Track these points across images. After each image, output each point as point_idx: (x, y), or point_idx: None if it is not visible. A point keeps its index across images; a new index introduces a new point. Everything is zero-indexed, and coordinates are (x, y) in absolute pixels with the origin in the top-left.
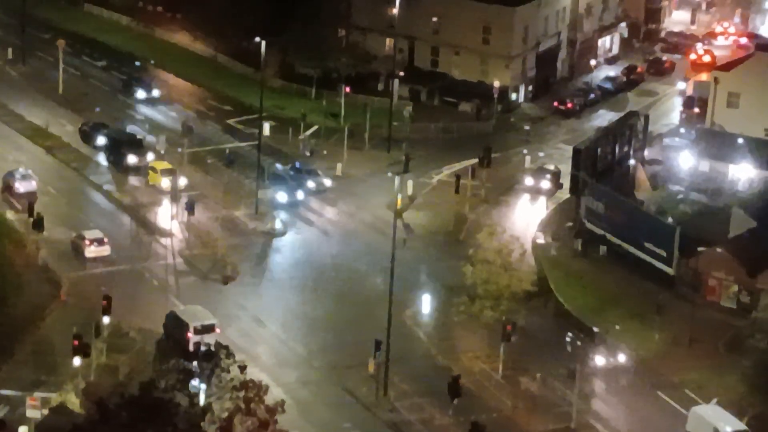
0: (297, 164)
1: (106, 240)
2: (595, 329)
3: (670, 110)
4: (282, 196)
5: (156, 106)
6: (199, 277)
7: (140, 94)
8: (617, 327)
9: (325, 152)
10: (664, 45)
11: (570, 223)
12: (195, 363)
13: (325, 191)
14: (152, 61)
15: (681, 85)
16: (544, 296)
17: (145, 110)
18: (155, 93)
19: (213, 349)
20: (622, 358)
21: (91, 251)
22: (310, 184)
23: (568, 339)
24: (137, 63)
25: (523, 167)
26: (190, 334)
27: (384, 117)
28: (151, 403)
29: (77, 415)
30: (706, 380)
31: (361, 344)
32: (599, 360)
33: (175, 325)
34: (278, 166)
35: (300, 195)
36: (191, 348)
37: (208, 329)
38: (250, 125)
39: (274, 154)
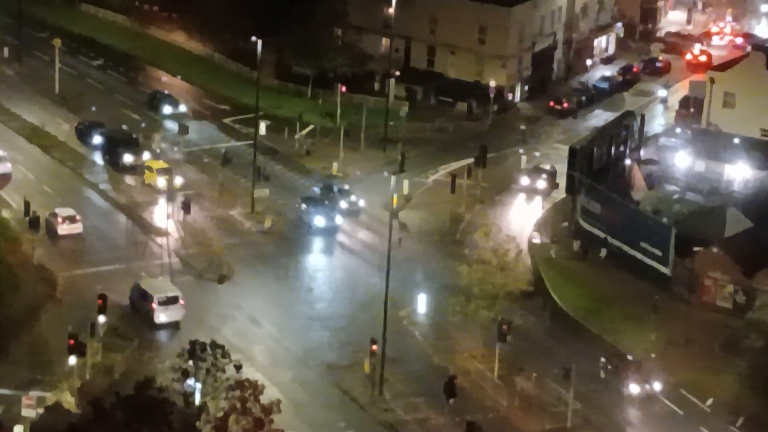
0: (334, 187)
1: (78, 218)
2: (630, 357)
3: (658, 114)
4: (320, 221)
5: (183, 121)
6: (195, 277)
7: (167, 109)
8: (653, 356)
9: (354, 172)
10: (664, 45)
11: (566, 223)
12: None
13: (358, 213)
14: (179, 76)
15: (662, 92)
16: (540, 296)
17: (172, 126)
18: (182, 108)
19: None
20: (657, 386)
21: (63, 229)
22: (343, 204)
23: (600, 365)
24: (162, 78)
25: (519, 167)
26: (154, 305)
27: (380, 116)
28: (146, 402)
29: (72, 415)
30: (701, 380)
31: (357, 344)
32: (634, 388)
33: (140, 297)
34: (315, 188)
35: (339, 219)
36: (156, 319)
37: (173, 301)
38: (246, 124)
39: (269, 153)
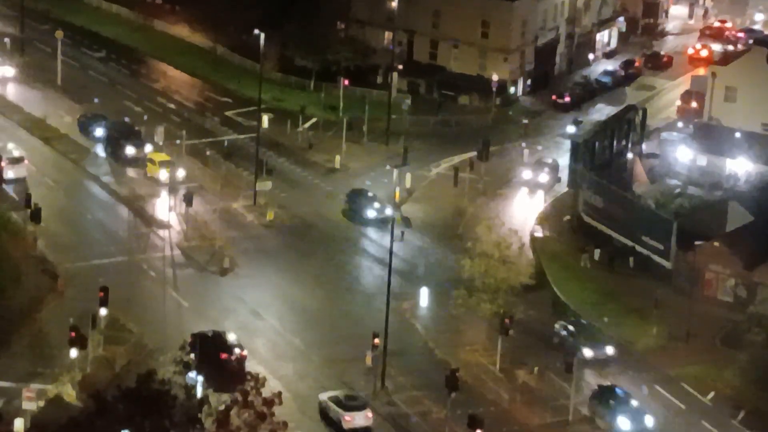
0: (571, 327)
1: None
2: None
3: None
4: (624, 423)
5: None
6: (197, 269)
7: (370, 213)
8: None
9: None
10: (702, 37)
11: (568, 217)
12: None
13: (609, 361)
14: (369, 191)
15: (570, 128)
16: (542, 290)
17: (374, 235)
18: (388, 211)
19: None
20: None
21: None
22: (588, 353)
23: None
24: (368, 186)
25: (522, 160)
26: (3, 164)
27: (383, 110)
28: (148, 395)
29: (73, 408)
30: (703, 374)
31: (359, 337)
32: None
33: None
34: (618, 390)
35: (649, 421)
36: (5, 176)
37: (18, 161)
38: (248, 117)
39: (273, 146)
